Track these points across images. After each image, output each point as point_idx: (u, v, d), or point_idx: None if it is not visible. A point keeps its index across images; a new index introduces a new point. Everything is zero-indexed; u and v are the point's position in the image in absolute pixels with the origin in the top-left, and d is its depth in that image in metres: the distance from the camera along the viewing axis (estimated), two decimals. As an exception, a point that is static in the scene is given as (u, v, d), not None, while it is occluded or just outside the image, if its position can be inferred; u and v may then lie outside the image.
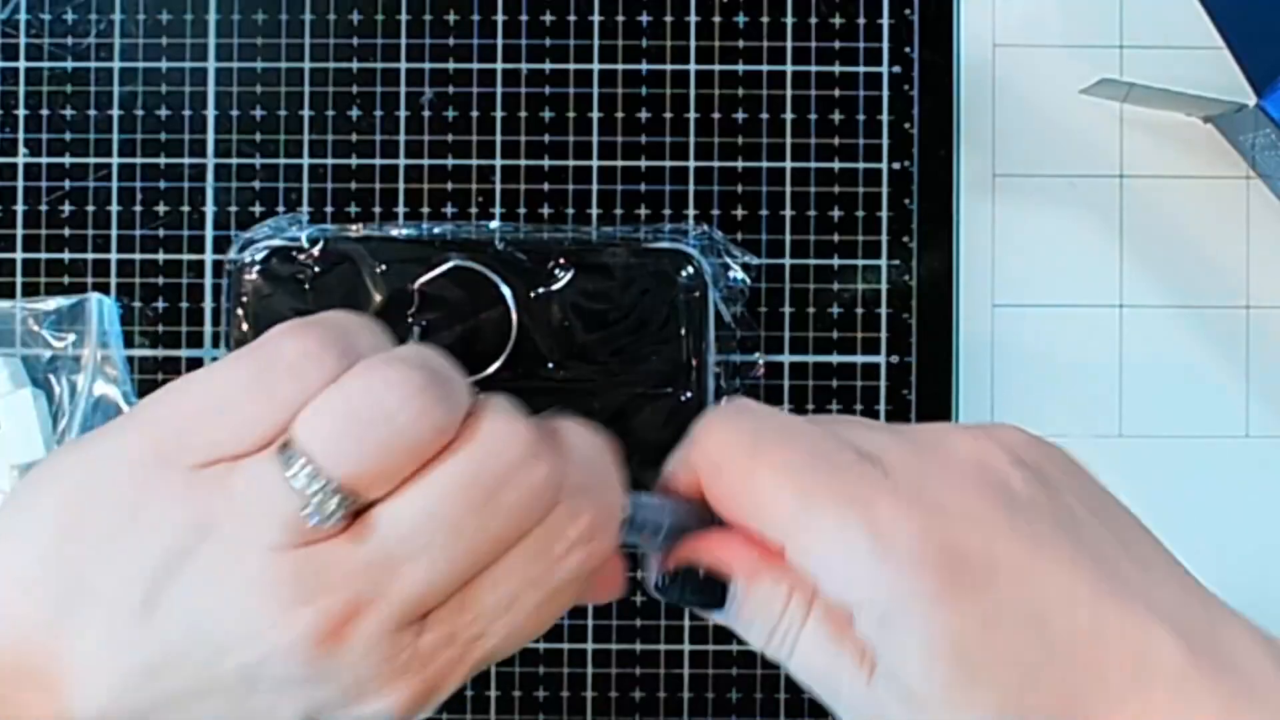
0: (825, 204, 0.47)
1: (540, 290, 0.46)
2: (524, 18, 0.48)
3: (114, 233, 0.47)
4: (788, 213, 0.47)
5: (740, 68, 0.47)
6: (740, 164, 0.47)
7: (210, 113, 0.47)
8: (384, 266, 0.46)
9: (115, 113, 0.47)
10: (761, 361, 0.47)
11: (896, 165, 0.47)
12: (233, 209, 0.47)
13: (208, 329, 0.47)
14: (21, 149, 0.47)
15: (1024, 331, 0.48)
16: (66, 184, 0.47)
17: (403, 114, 0.47)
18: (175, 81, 0.47)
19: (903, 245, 0.47)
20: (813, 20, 0.47)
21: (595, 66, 0.48)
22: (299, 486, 0.27)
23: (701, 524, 0.31)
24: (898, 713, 0.29)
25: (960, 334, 0.47)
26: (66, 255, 0.47)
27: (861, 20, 0.47)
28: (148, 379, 0.47)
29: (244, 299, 0.46)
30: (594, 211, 0.47)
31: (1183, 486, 0.47)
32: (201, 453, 0.27)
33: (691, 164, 0.47)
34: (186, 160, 0.47)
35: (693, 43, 0.48)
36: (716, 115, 0.47)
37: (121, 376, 0.47)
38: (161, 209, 0.47)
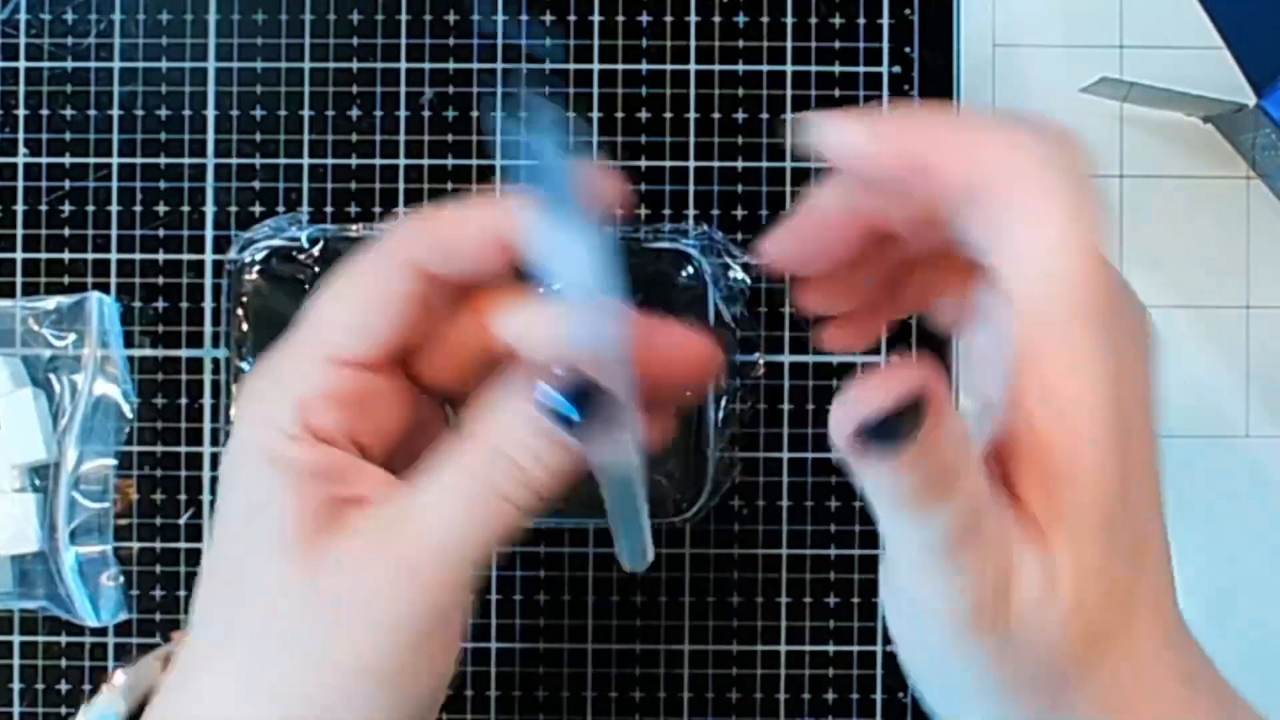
0: (825, 204, 0.47)
1: (540, 290, 0.46)
2: (524, 18, 0.48)
3: (114, 232, 0.47)
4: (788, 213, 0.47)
5: (740, 68, 0.47)
6: (740, 164, 0.47)
7: (210, 113, 0.47)
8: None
9: (115, 113, 0.47)
10: (761, 361, 0.47)
11: (896, 165, 0.47)
12: (233, 209, 0.47)
13: (208, 329, 0.47)
14: (21, 149, 0.48)
15: (1024, 331, 0.48)
16: (66, 184, 0.47)
17: (403, 114, 0.47)
18: (175, 81, 0.47)
19: (903, 245, 0.47)
20: (813, 20, 0.47)
21: (596, 66, 0.48)
22: None
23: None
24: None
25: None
26: (66, 255, 0.47)
27: (861, 20, 0.47)
28: (148, 379, 0.47)
29: (244, 299, 0.46)
30: (594, 211, 0.47)
31: (1182, 486, 0.47)
32: None
33: (691, 164, 0.47)
34: (186, 160, 0.47)
35: (693, 43, 0.48)
36: (716, 115, 0.47)
37: (122, 376, 0.47)
38: (161, 209, 0.47)
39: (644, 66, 0.48)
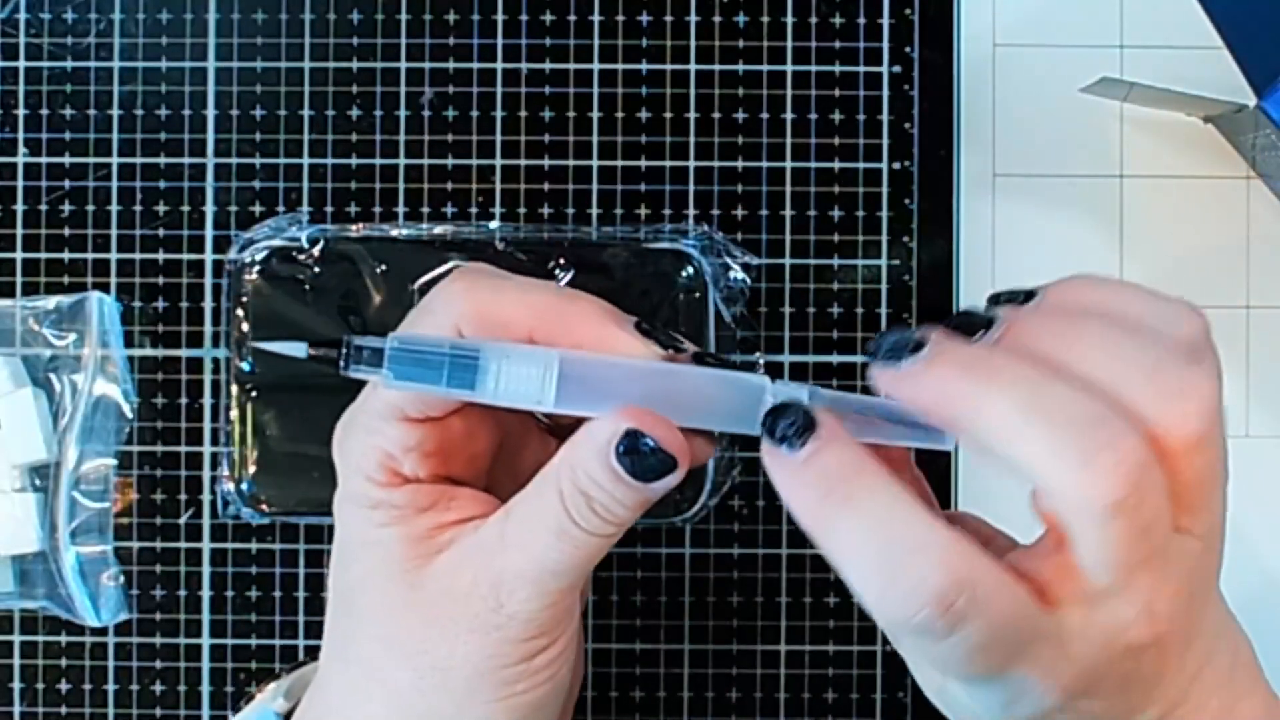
0: (825, 204, 0.47)
1: (540, 290, 0.46)
2: (524, 18, 0.48)
3: (114, 232, 0.47)
4: (788, 213, 0.47)
5: (740, 68, 0.47)
6: (740, 164, 0.47)
7: (210, 113, 0.47)
8: (384, 266, 0.46)
9: (115, 113, 0.47)
10: (761, 361, 0.47)
11: (896, 165, 0.47)
12: (233, 209, 0.47)
13: (208, 329, 0.47)
14: (21, 149, 0.48)
15: (1024, 331, 0.48)
16: (66, 184, 0.47)
17: (403, 114, 0.47)
18: (175, 81, 0.47)
19: (903, 245, 0.47)
20: (813, 20, 0.47)
21: (595, 66, 0.48)
22: None
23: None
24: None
25: (960, 334, 0.47)
26: (66, 255, 0.47)
27: (861, 20, 0.47)
28: (148, 378, 0.47)
29: (244, 299, 0.46)
30: (594, 211, 0.47)
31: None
32: None
33: (691, 164, 0.47)
34: (186, 160, 0.47)
35: (693, 43, 0.47)
36: (716, 115, 0.47)
37: (122, 375, 0.47)
38: (161, 209, 0.47)
39: (644, 66, 0.48)
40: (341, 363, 0.32)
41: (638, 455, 0.31)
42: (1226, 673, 0.32)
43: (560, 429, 0.36)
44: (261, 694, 0.45)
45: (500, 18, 0.48)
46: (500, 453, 0.36)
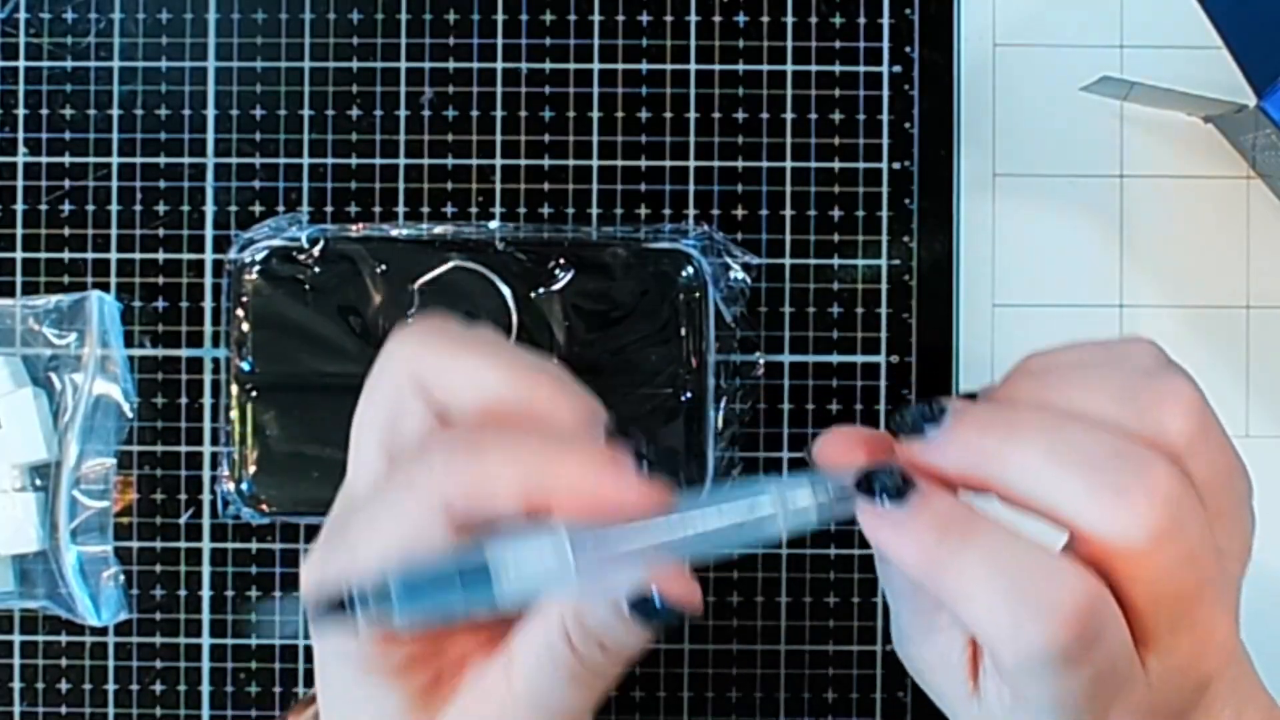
0: (825, 204, 0.47)
1: (540, 290, 0.46)
2: (524, 18, 0.48)
3: (114, 232, 0.47)
4: (788, 213, 0.47)
5: (740, 68, 0.47)
6: (740, 164, 0.47)
7: (210, 113, 0.47)
8: (384, 266, 0.46)
9: (115, 113, 0.47)
10: (761, 361, 0.47)
11: (896, 165, 0.47)
12: (233, 209, 0.47)
13: (208, 328, 0.47)
14: (21, 149, 0.48)
15: (1024, 331, 0.48)
16: (66, 184, 0.47)
17: (403, 114, 0.47)
18: (175, 81, 0.47)
19: (903, 245, 0.47)
20: (813, 20, 0.47)
21: (595, 66, 0.48)
22: None
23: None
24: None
25: (960, 334, 0.47)
26: (66, 254, 0.47)
27: (861, 20, 0.47)
28: (148, 378, 0.47)
29: (244, 299, 0.46)
30: (594, 211, 0.47)
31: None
32: None
33: (691, 164, 0.47)
34: (186, 160, 0.47)
35: (693, 43, 0.47)
36: (716, 115, 0.47)
37: (122, 375, 0.47)
38: (161, 209, 0.47)
39: (644, 66, 0.48)
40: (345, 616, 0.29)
41: (651, 607, 0.30)
42: (1232, 683, 0.32)
43: None
44: None
45: (500, 18, 0.48)
46: None
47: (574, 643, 0.30)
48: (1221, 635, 0.29)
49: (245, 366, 0.46)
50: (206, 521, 0.47)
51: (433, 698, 0.31)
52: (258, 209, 0.47)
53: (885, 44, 0.48)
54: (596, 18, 0.48)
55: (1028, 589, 0.28)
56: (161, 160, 0.47)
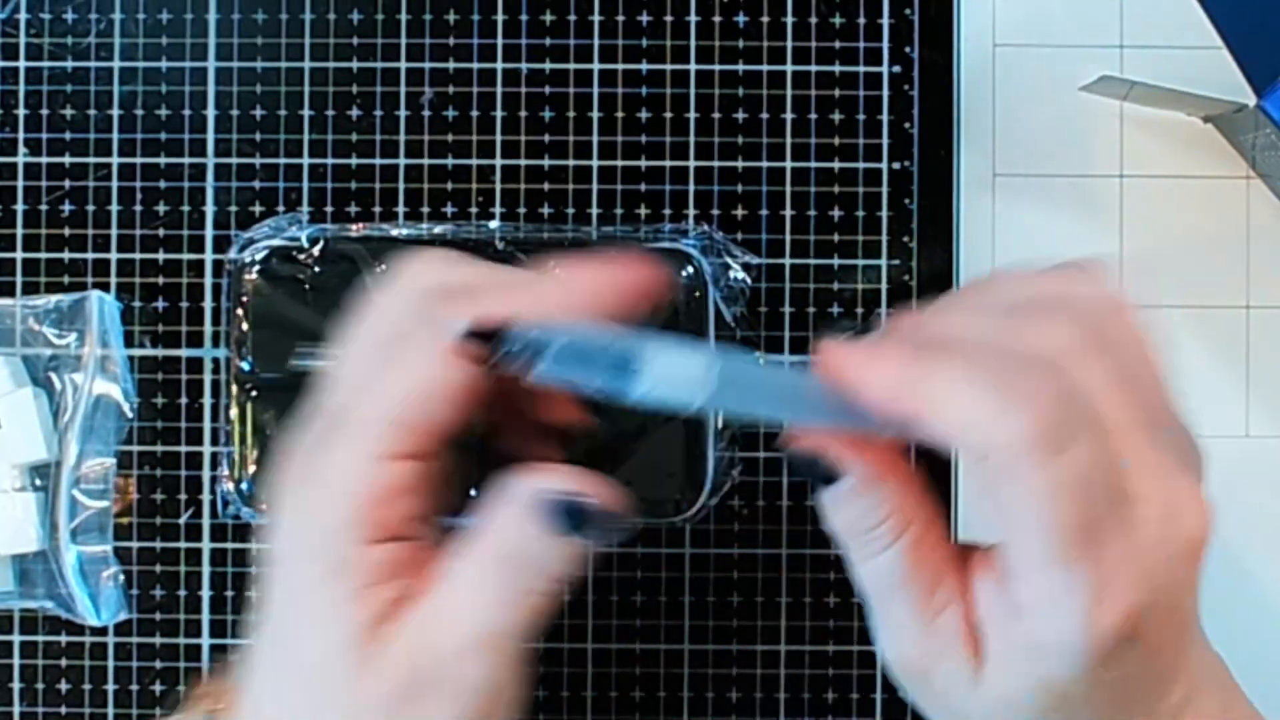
0: (825, 204, 0.47)
1: (540, 290, 0.46)
2: (524, 18, 0.48)
3: (114, 232, 0.47)
4: (788, 213, 0.47)
5: (740, 68, 0.47)
6: (740, 164, 0.47)
7: (210, 113, 0.47)
8: (384, 266, 0.46)
9: (115, 113, 0.47)
10: (762, 362, 0.47)
11: (896, 165, 0.47)
12: (233, 209, 0.47)
13: (208, 328, 0.47)
14: (21, 149, 0.48)
15: (1024, 331, 0.48)
16: (66, 184, 0.48)
17: (403, 114, 0.47)
18: (175, 81, 0.47)
19: (903, 245, 0.47)
20: (813, 20, 0.47)
21: (595, 66, 0.48)
22: None
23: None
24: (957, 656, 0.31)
25: (960, 334, 0.47)
26: (66, 254, 0.47)
27: (861, 20, 0.47)
28: (148, 378, 0.47)
29: (244, 299, 0.46)
30: (594, 211, 0.47)
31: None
32: None
33: (691, 164, 0.47)
34: (186, 160, 0.47)
35: (693, 43, 0.47)
36: (716, 115, 0.47)
37: (122, 375, 0.47)
38: (161, 209, 0.47)
39: (644, 66, 0.48)
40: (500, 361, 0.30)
41: (569, 515, 0.31)
42: (1218, 689, 0.32)
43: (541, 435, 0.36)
44: None
45: (500, 18, 0.48)
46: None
47: (504, 564, 0.31)
48: (1184, 509, 0.30)
49: (245, 366, 0.46)
50: (206, 521, 0.47)
51: (389, 624, 0.31)
52: (258, 209, 0.47)
53: (885, 44, 0.48)
54: (596, 18, 0.48)
55: (1005, 380, 0.28)
56: (161, 160, 0.47)
